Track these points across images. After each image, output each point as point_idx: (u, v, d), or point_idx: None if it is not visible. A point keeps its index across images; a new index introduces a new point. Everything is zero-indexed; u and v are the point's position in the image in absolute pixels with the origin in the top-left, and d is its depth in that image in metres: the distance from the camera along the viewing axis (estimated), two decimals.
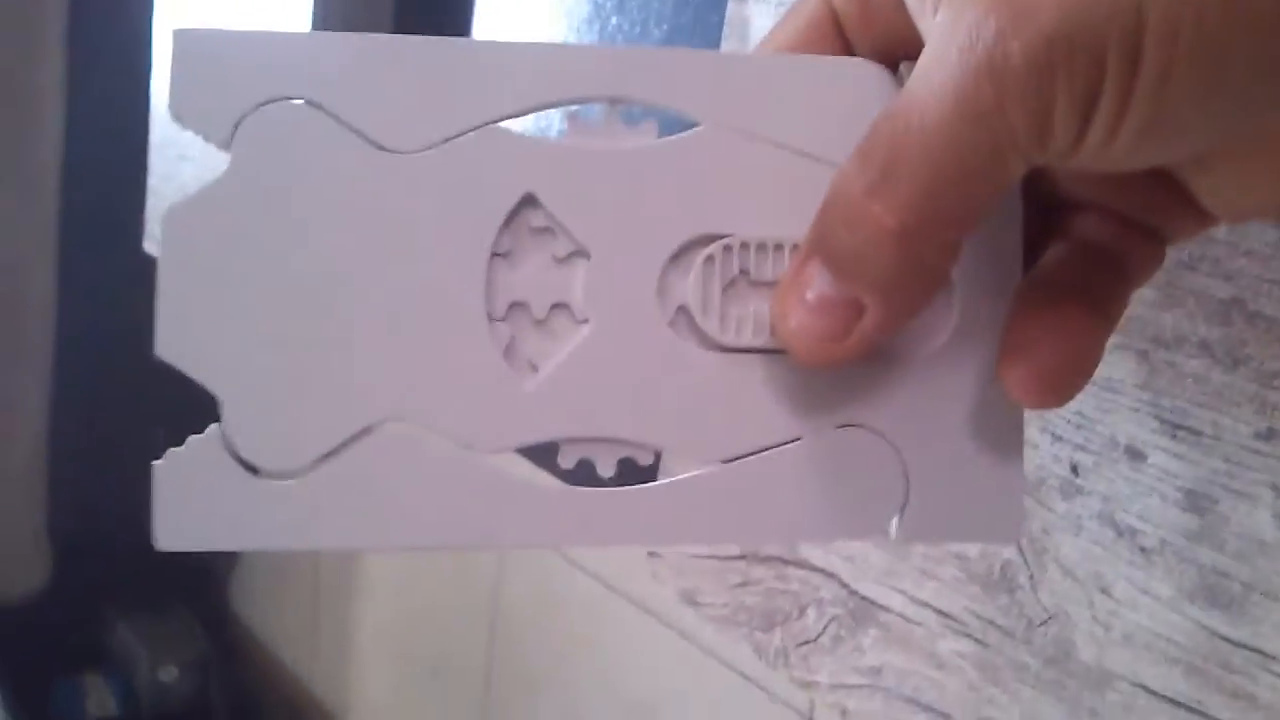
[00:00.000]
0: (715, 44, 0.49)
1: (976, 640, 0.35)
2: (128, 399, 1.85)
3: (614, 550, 0.27)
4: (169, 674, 1.92)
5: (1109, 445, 0.32)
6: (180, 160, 0.94)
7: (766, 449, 0.25)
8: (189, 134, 0.76)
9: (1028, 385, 0.23)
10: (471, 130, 0.24)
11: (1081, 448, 0.32)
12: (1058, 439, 0.33)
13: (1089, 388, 0.32)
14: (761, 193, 0.24)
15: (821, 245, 0.22)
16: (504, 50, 0.24)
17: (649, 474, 0.25)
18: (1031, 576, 0.34)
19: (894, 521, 0.25)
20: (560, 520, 0.24)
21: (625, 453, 0.24)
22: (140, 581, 2.07)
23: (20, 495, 1.78)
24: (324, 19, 0.73)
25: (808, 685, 0.41)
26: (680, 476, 0.25)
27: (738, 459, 0.24)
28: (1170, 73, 0.19)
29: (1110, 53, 0.19)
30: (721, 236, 0.24)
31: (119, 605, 2.02)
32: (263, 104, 0.23)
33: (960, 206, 0.21)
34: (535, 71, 0.24)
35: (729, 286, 0.24)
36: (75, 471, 1.83)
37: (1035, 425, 0.33)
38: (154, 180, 0.99)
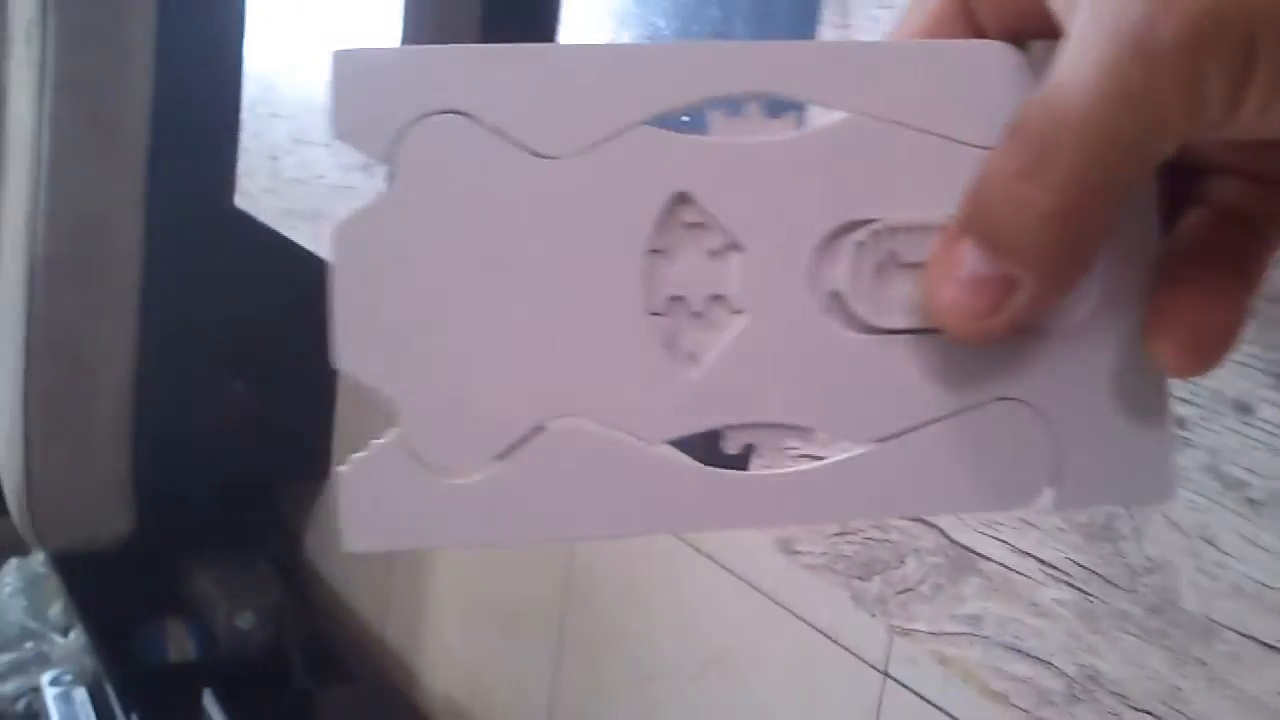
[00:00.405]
0: (811, 19, 0.49)
1: (1078, 589, 0.36)
2: (209, 352, 1.89)
3: (784, 528, 0.29)
4: (245, 620, 1.97)
5: (1215, 399, 0.32)
6: (272, 118, 0.96)
7: (920, 426, 0.25)
8: (280, 93, 0.77)
9: (1175, 355, 0.24)
10: (622, 132, 0.24)
11: (1187, 401, 0.33)
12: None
13: None
14: (905, 177, 0.25)
15: (975, 224, 0.23)
16: (647, 52, 0.24)
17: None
18: (1135, 527, 0.34)
19: (1048, 491, 0.26)
20: (732, 503, 0.25)
21: (787, 436, 0.25)
22: (218, 531, 2.13)
23: (106, 446, 1.83)
24: (414, 14, 0.75)
25: (906, 633, 0.42)
26: (840, 456, 0.25)
27: (893, 437, 0.25)
28: None
29: (1262, 28, 0.19)
30: (867, 222, 0.25)
31: (198, 553, 2.07)
32: (420, 119, 0.24)
33: (1113, 186, 0.21)
34: (678, 71, 0.24)
35: (878, 270, 0.25)
36: (158, 423, 1.88)
37: None
38: (245, 138, 1.01)
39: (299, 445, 2.05)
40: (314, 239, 0.88)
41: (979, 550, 0.39)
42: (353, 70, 0.24)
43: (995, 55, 0.25)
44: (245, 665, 1.92)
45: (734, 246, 0.25)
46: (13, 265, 1.78)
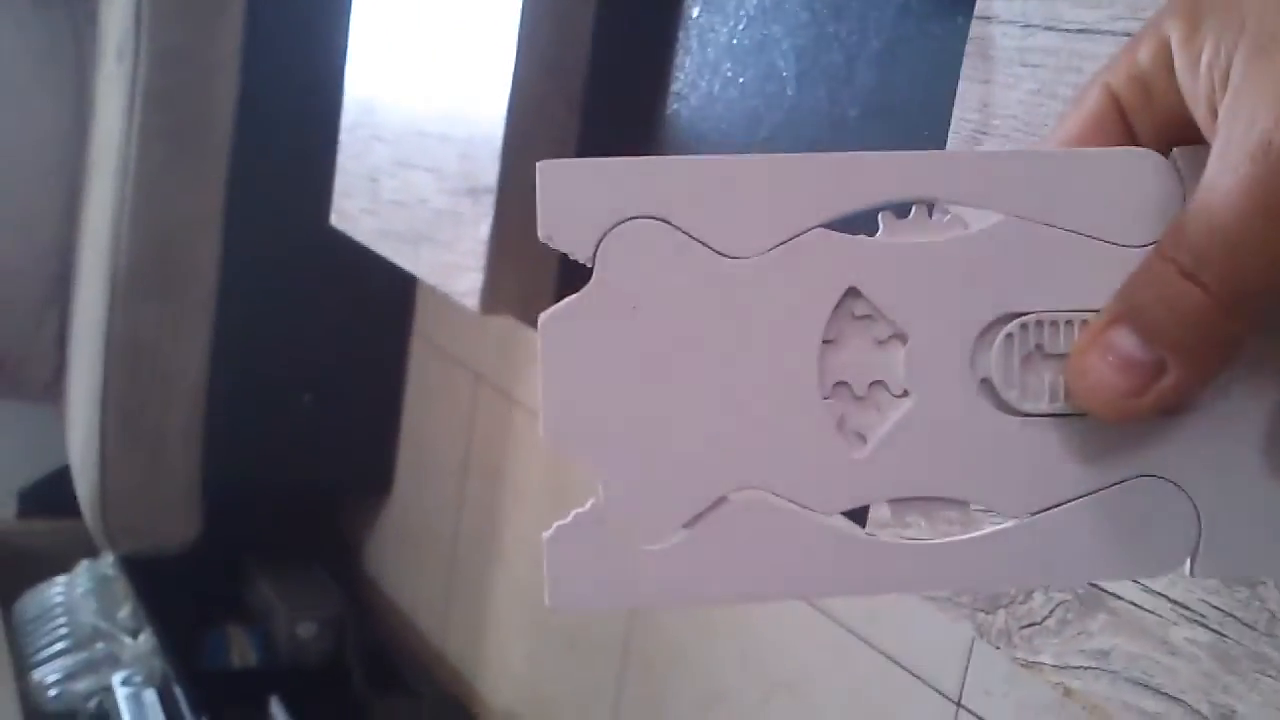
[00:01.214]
0: (946, 57, 0.51)
1: (1213, 630, 0.37)
2: (279, 365, 1.93)
3: (941, 593, 0.32)
4: (307, 629, 1.99)
5: None
6: (374, 140, 0.98)
7: (1066, 501, 0.28)
8: (381, 117, 0.80)
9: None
10: (800, 234, 0.27)
11: None
12: None
13: None
14: (1055, 274, 0.28)
15: (1131, 313, 0.26)
16: (821, 161, 0.28)
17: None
18: None
19: (1189, 560, 0.28)
20: (895, 569, 0.28)
21: (945, 510, 0.28)
22: (281, 541, 2.16)
23: (178, 454, 1.87)
24: (528, 44, 0.77)
25: (1031, 666, 0.43)
26: (992, 528, 0.28)
27: (1041, 512, 0.28)
28: None
29: None
30: (1021, 314, 0.28)
31: (261, 562, 2.11)
32: (620, 223, 0.27)
33: (1260, 287, 0.24)
34: (849, 179, 0.27)
35: (1026, 359, 0.28)
36: (228, 433, 1.92)
37: None
38: (343, 159, 1.04)
39: (363, 460, 2.08)
40: (414, 261, 0.90)
41: (1109, 589, 0.41)
42: (557, 179, 0.27)
43: (1140, 161, 0.28)
44: (306, 674, 1.95)
45: (899, 336, 0.28)
46: (95, 276, 1.83)
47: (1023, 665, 0.43)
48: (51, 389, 2.16)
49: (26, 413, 2.25)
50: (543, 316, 0.27)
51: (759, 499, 0.28)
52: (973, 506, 0.28)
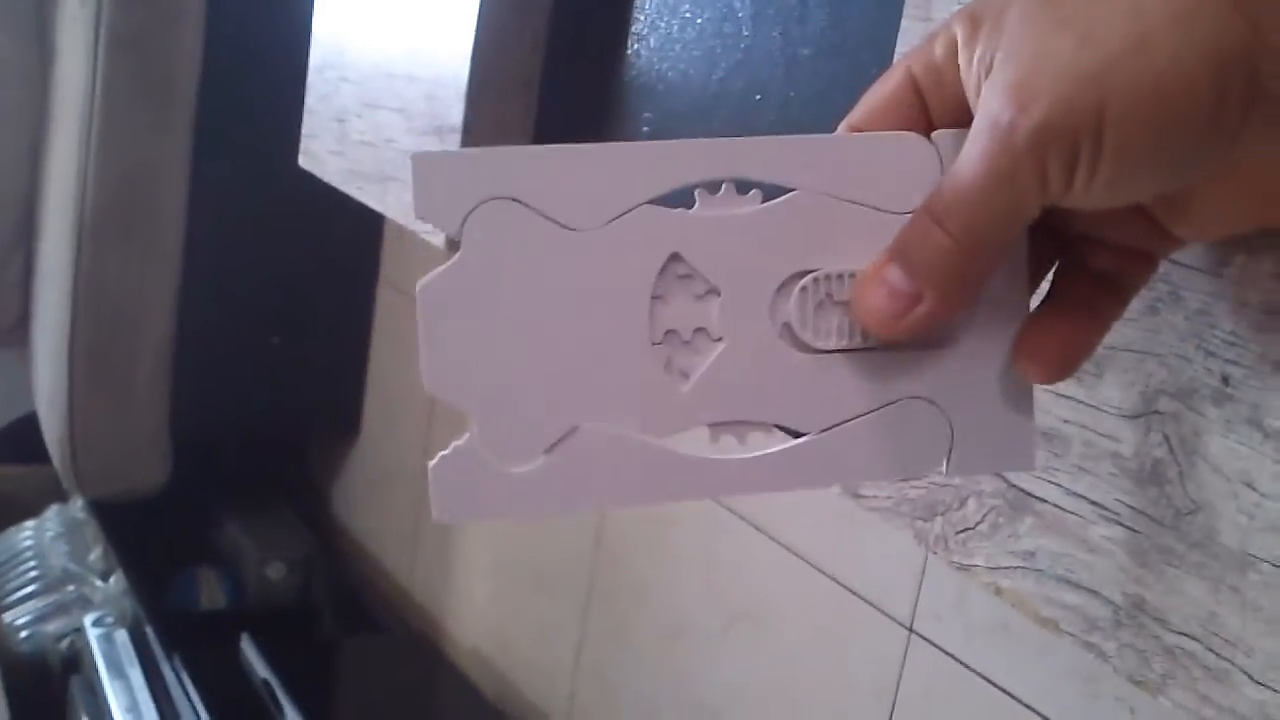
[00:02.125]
0: (892, 10, 0.53)
1: (1127, 527, 0.41)
2: (247, 308, 1.94)
3: (751, 495, 0.40)
4: (276, 570, 2.02)
5: (1260, 360, 0.37)
6: (341, 82, 1.00)
7: (850, 420, 0.35)
8: (349, 58, 0.82)
9: (1036, 372, 0.35)
10: (630, 210, 0.33)
11: (1234, 362, 0.37)
12: (1210, 354, 0.38)
13: (1248, 310, 0.37)
14: (839, 237, 0.34)
15: (900, 253, 0.33)
16: (651, 148, 0.33)
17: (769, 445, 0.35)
18: (1181, 472, 0.39)
19: (944, 462, 0.36)
20: (715, 478, 0.35)
21: (753, 431, 0.35)
22: (250, 483, 2.18)
23: (146, 397, 1.88)
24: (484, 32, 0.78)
25: (964, 568, 0.46)
26: (791, 443, 0.35)
27: (832, 427, 0.35)
28: (1122, 146, 0.29)
29: (1082, 136, 0.29)
30: (812, 271, 0.34)
31: (229, 504, 2.13)
32: (482, 203, 0.32)
33: (993, 233, 0.31)
34: (673, 162, 0.33)
35: (819, 306, 0.34)
36: (196, 376, 1.93)
37: (1191, 341, 0.39)
38: (312, 100, 1.05)
39: (330, 402, 2.10)
40: (382, 201, 0.92)
41: (1035, 493, 0.44)
42: (428, 167, 0.32)
43: (907, 143, 0.34)
44: (275, 614, 1.98)
45: (713, 291, 0.34)
46: (60, 220, 1.83)
47: (958, 568, 0.47)
48: (16, 334, 2.16)
49: None
50: (419, 284, 0.32)
51: (605, 428, 0.34)
52: (775, 426, 0.35)
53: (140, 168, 1.76)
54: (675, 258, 0.34)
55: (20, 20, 1.97)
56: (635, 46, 0.74)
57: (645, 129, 0.73)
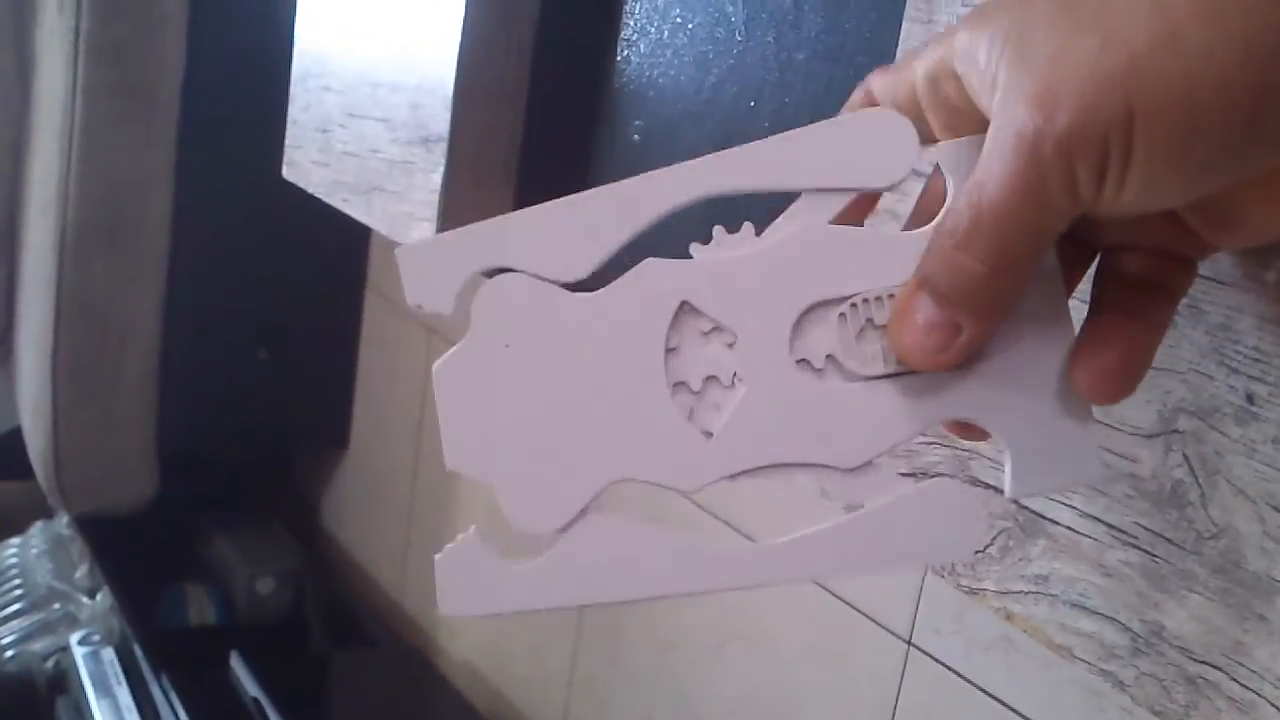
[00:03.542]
0: (893, 11, 0.52)
1: (1145, 551, 0.39)
2: (233, 320, 1.92)
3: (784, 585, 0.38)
4: (265, 585, 2.00)
5: None
6: (324, 92, 0.98)
7: (893, 446, 0.33)
8: (332, 68, 0.80)
9: (1093, 388, 0.32)
10: (635, 263, 0.33)
11: (1258, 379, 0.36)
12: (1233, 371, 0.36)
13: (1273, 325, 0.35)
14: (850, 262, 0.33)
15: (925, 284, 0.31)
16: (627, 185, 0.33)
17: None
18: (1202, 494, 0.37)
19: (1006, 484, 0.33)
20: (754, 567, 0.33)
21: (790, 473, 0.33)
22: (238, 497, 2.15)
23: (131, 411, 1.86)
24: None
25: (975, 593, 0.44)
26: (831, 522, 0.33)
27: (871, 461, 0.33)
28: (1153, 150, 0.27)
29: (1111, 141, 0.27)
30: (826, 300, 0.33)
31: (218, 519, 2.10)
32: (476, 278, 0.32)
33: (1024, 250, 0.30)
34: (654, 192, 0.33)
35: (859, 333, 0.33)
36: (182, 390, 1.91)
37: (1212, 357, 0.37)
38: (295, 110, 1.03)
39: (319, 415, 2.08)
40: (366, 211, 0.90)
41: (1048, 515, 0.42)
42: (414, 257, 0.32)
43: (875, 119, 0.33)
44: (265, 629, 1.95)
45: (729, 335, 0.33)
46: (42, 232, 1.80)
47: (967, 592, 0.45)
48: (0, 350, 2.13)
49: None
50: (435, 366, 0.32)
51: (611, 520, 0.33)
52: (813, 464, 0.33)
53: (123, 179, 1.73)
54: (686, 307, 0.33)
55: None
56: (625, 52, 0.72)
57: (635, 137, 0.71)
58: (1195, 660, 0.38)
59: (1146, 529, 0.39)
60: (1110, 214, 0.29)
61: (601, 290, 0.33)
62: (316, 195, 0.99)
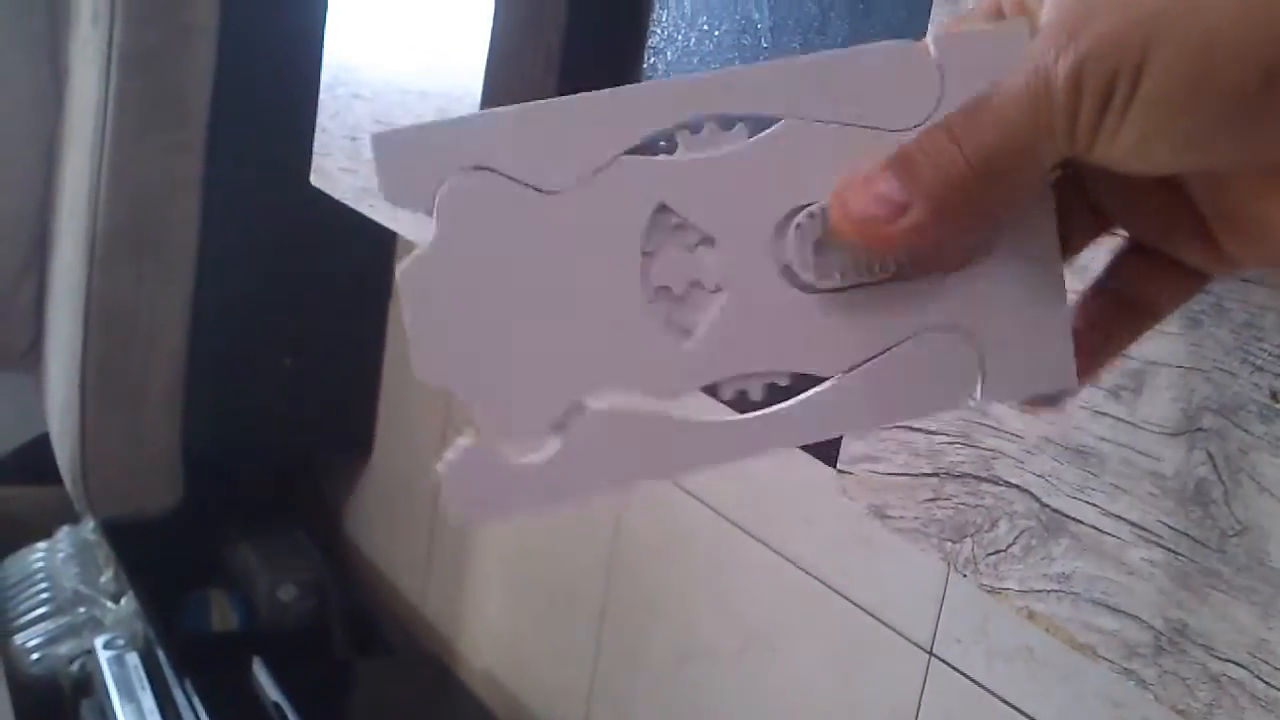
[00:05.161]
0: (918, 3, 0.52)
1: (1168, 549, 0.39)
2: (260, 328, 1.93)
3: (777, 452, 0.36)
4: (287, 592, 2.01)
5: None
6: (354, 99, 0.99)
7: (870, 359, 0.32)
8: (361, 75, 0.81)
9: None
10: (608, 163, 0.31)
11: None
12: (1258, 369, 0.37)
13: None
14: (834, 165, 0.31)
15: (898, 162, 0.30)
16: (620, 95, 0.31)
17: (786, 393, 0.33)
18: (1226, 492, 0.37)
19: (977, 389, 0.33)
20: (736, 439, 0.32)
21: (768, 380, 0.32)
22: (262, 504, 2.17)
23: (158, 418, 1.87)
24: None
25: (996, 592, 0.45)
26: (814, 390, 0.32)
27: (853, 369, 0.32)
28: (1158, 96, 0.27)
29: (1120, 75, 0.27)
30: (807, 206, 0.31)
31: (241, 526, 2.12)
32: (451, 176, 0.30)
33: (1010, 166, 0.29)
34: (646, 106, 0.31)
35: (818, 243, 0.32)
36: (208, 396, 1.92)
37: (1236, 355, 0.37)
38: (324, 118, 1.04)
39: (343, 423, 2.09)
40: (393, 218, 0.91)
41: (1071, 514, 0.42)
42: (391, 146, 0.30)
43: (901, 52, 0.32)
44: (287, 636, 1.96)
45: (707, 240, 0.32)
46: (73, 239, 1.82)
47: (989, 591, 0.45)
48: (29, 356, 2.15)
49: (3, 380, 2.24)
50: (399, 268, 0.30)
51: (614, 403, 0.31)
52: (792, 374, 0.32)
53: (153, 187, 1.75)
54: (662, 208, 0.31)
55: (33, 41, 1.97)
56: (651, 60, 0.73)
57: (661, 143, 0.72)
58: (1219, 658, 0.38)
59: (1170, 527, 0.39)
60: (1105, 161, 0.29)
61: (575, 191, 0.31)
62: (344, 202, 1.00)
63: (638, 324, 0.31)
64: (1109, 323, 0.34)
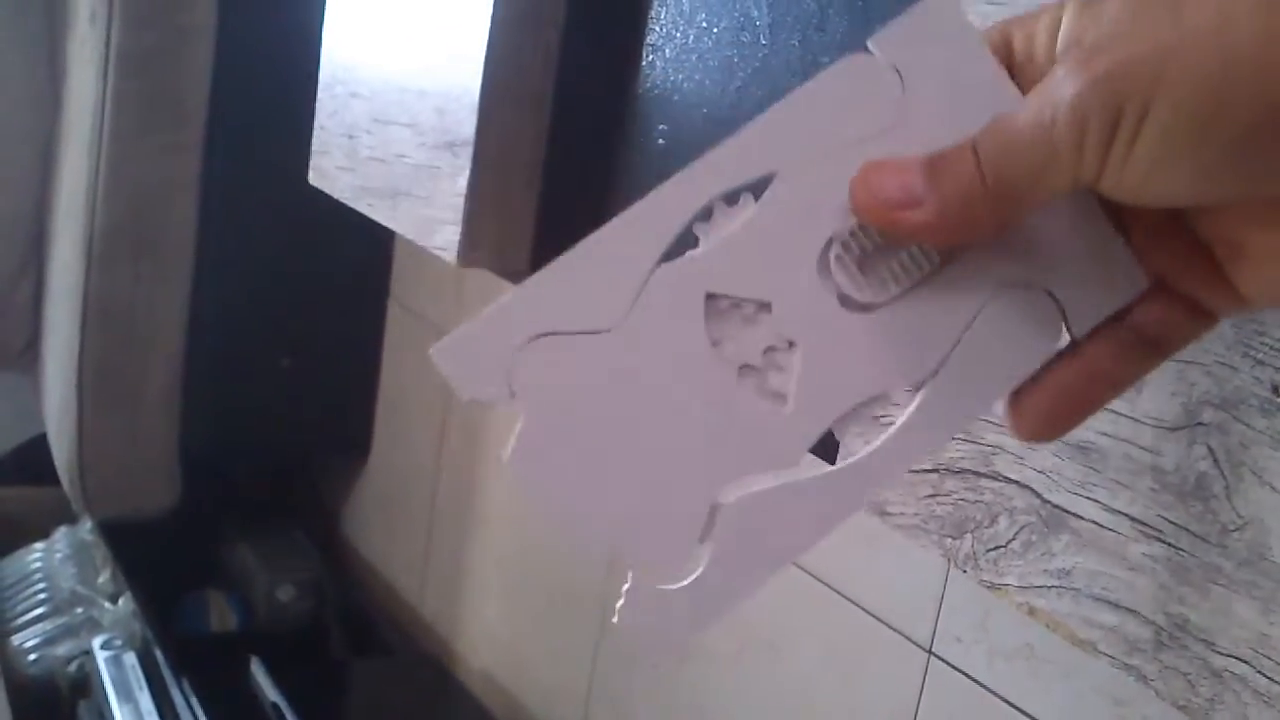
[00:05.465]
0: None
1: (1169, 544, 0.39)
2: (257, 328, 1.93)
3: (905, 474, 0.38)
4: (286, 593, 2.00)
5: None
6: (351, 98, 0.99)
7: (957, 344, 0.33)
8: (360, 74, 0.81)
9: (1020, 428, 0.33)
10: (646, 281, 0.32)
11: None
12: (1259, 363, 0.37)
13: None
14: (839, 188, 0.32)
15: (932, 159, 0.31)
16: (629, 216, 0.32)
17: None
18: (1227, 486, 0.37)
19: (1064, 329, 0.33)
20: (867, 477, 0.33)
21: (873, 406, 0.33)
22: (259, 504, 2.17)
23: (156, 418, 1.87)
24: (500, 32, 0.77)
25: (995, 588, 0.45)
26: (915, 402, 0.33)
27: (941, 363, 0.33)
28: (1169, 124, 0.27)
29: (1130, 100, 0.27)
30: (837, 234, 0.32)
31: (239, 526, 2.11)
32: (513, 355, 0.32)
33: (1019, 186, 0.30)
34: (656, 216, 0.32)
35: (862, 262, 0.32)
36: (206, 396, 1.92)
37: (1237, 349, 0.37)
38: (322, 117, 1.04)
39: (341, 423, 2.09)
40: (392, 217, 0.91)
41: (1071, 509, 0.42)
42: (451, 353, 0.32)
43: (851, 66, 0.32)
44: (285, 636, 1.96)
45: (764, 307, 0.33)
46: (70, 239, 1.82)
47: (989, 588, 0.45)
48: (26, 356, 2.15)
49: (1, 381, 2.24)
50: (505, 458, 0.32)
51: (744, 491, 0.33)
52: (891, 391, 0.33)
53: (150, 187, 1.75)
54: (711, 297, 0.33)
55: (31, 41, 1.97)
56: (650, 58, 0.73)
57: (660, 141, 0.72)
58: (1220, 654, 0.38)
59: (1170, 522, 0.39)
60: (1115, 192, 0.29)
61: (628, 319, 0.32)
62: (342, 201, 0.99)
63: (735, 409, 0.33)
64: (1114, 362, 0.33)
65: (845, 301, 0.33)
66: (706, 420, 0.32)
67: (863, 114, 0.32)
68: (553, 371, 0.32)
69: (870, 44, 0.32)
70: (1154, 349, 0.33)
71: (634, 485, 0.32)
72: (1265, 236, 0.30)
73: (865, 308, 0.33)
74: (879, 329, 0.33)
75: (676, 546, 0.32)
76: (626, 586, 0.32)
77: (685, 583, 0.32)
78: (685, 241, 0.33)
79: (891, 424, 0.33)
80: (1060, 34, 0.31)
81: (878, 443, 0.33)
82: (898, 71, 0.32)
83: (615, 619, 0.32)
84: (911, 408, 0.33)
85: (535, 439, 0.32)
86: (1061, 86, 0.28)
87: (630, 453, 0.32)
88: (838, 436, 0.33)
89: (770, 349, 0.33)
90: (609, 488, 0.32)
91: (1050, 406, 0.33)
